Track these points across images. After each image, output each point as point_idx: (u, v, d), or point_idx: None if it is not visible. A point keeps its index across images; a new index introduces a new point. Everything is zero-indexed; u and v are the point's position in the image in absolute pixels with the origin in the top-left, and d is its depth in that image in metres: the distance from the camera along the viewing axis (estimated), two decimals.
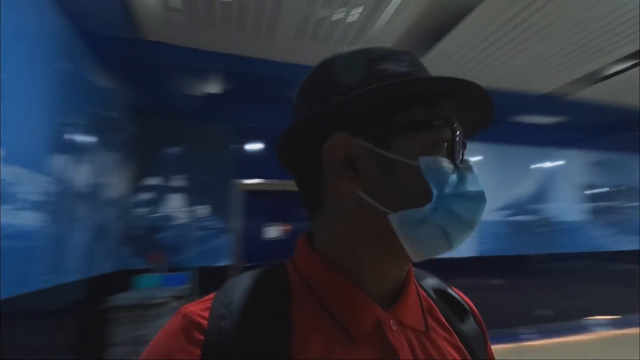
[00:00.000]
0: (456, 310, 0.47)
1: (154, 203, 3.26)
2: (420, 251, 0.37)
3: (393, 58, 0.41)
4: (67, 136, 1.95)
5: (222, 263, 3.30)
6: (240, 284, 0.39)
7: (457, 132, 0.39)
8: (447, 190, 0.37)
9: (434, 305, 0.45)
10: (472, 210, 0.38)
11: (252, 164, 3.58)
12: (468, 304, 0.50)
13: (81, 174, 2.16)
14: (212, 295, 0.39)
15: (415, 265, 0.44)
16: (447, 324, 0.44)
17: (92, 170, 2.34)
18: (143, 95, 3.10)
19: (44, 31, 1.70)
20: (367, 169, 0.38)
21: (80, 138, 2.16)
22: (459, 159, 0.39)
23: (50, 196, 1.73)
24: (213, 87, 3.03)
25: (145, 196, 3.24)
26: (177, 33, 2.39)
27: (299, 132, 0.40)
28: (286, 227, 3.66)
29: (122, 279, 2.76)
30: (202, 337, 0.34)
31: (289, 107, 0.46)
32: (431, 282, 0.50)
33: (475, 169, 0.40)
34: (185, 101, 3.24)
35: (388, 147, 0.38)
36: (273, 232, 3.62)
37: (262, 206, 3.62)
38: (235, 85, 3.04)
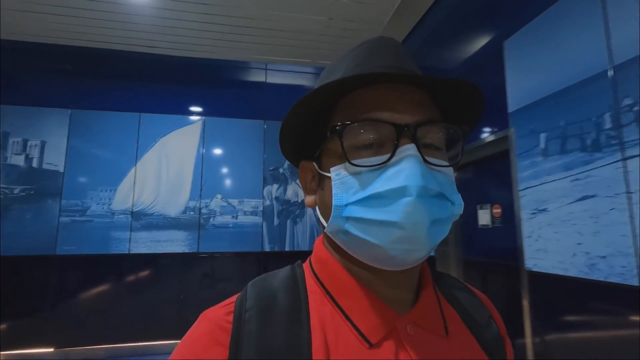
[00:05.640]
0: (477, 314, 0.45)
1: None
2: (369, 261, 0.38)
3: (346, 57, 0.42)
4: None
5: None
6: (260, 288, 0.40)
7: (380, 128, 0.36)
8: (352, 196, 0.36)
9: (454, 310, 0.44)
10: (393, 211, 0.33)
11: None
12: (489, 307, 0.48)
13: None
14: (233, 299, 0.40)
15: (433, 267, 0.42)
16: (467, 329, 0.43)
17: None
18: None
19: None
20: (315, 186, 0.43)
21: None
22: (389, 155, 0.35)
23: None
24: None
25: None
26: None
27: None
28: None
29: None
30: (228, 340, 0.36)
31: None
32: (452, 285, 0.48)
33: (413, 159, 0.34)
34: None
35: (320, 161, 0.41)
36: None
37: None
38: None
